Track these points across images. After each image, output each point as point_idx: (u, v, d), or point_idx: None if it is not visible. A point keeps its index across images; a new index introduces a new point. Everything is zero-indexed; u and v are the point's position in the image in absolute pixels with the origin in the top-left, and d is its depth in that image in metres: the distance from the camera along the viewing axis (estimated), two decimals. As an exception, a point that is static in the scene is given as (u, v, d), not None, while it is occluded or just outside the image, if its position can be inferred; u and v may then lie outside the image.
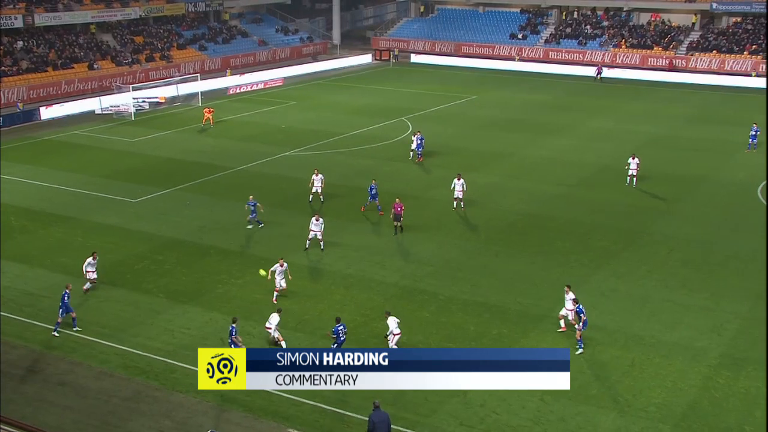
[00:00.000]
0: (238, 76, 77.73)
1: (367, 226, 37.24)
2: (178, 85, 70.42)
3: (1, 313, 28.37)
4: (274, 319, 25.97)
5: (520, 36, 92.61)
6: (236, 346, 24.15)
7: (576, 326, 26.06)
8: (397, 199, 36.70)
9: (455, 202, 39.45)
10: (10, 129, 57.84)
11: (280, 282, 29.42)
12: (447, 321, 28.07)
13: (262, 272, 29.38)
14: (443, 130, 56.93)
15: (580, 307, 25.98)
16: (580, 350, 26.02)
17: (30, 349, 25.99)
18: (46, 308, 28.70)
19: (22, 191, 42.58)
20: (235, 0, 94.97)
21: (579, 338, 26.12)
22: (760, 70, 76.37)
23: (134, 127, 58.50)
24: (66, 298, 26.87)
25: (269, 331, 25.96)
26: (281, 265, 29.43)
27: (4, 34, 71.24)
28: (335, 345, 24.52)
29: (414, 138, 48.85)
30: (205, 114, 58.47)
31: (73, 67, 70.90)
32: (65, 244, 35.05)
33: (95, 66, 72.27)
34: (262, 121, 60.61)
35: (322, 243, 33.99)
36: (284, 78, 79.84)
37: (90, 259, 30.16)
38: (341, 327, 24.77)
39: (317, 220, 33.94)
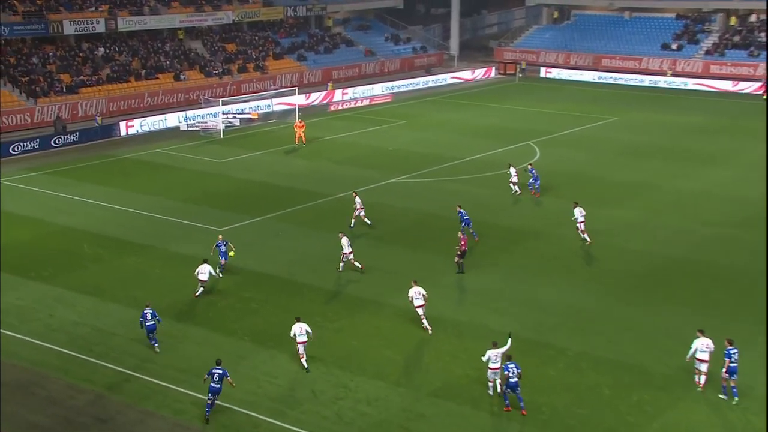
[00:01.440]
0: (341, 90, 79.16)
1: (484, 265, 37.02)
2: (273, 99, 72.27)
3: (48, 346, 29.53)
4: (302, 328, 27.86)
5: (674, 46, 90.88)
6: (214, 392, 24.98)
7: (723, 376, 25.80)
8: (460, 233, 36.77)
9: (584, 234, 39.26)
10: (87, 145, 60.57)
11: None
12: (577, 382, 27.48)
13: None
14: (576, 156, 56.28)
15: (730, 350, 25.66)
16: (736, 398, 25.79)
17: (98, 394, 26.82)
18: (117, 347, 29.64)
19: (97, 215, 44.35)
20: (340, 4, 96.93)
21: (732, 386, 25.90)
22: None
23: (222, 146, 60.23)
24: (148, 317, 29.28)
25: (301, 345, 27.71)
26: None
27: (84, 39, 74.91)
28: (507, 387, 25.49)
29: (510, 171, 47.78)
30: (297, 130, 59.71)
31: (157, 78, 73.81)
32: (142, 275, 36.21)
33: (182, 76, 75.00)
34: (366, 143, 61.36)
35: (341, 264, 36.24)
36: (393, 93, 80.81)
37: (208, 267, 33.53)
38: (512, 365, 25.32)
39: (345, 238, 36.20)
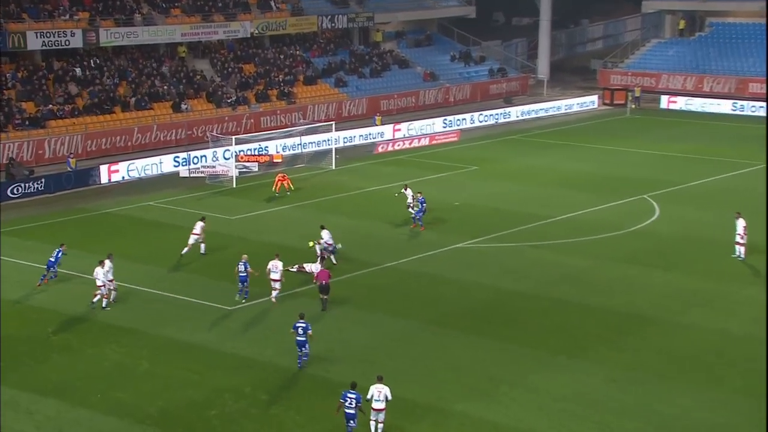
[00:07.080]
0: (392, 125, 79.52)
1: (581, 362, 36.53)
2: (303, 137, 72.73)
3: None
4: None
5: None
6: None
7: None
8: (319, 264, 43.91)
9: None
10: (57, 196, 61.25)
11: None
12: None
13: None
14: (710, 216, 55.64)
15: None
16: None
17: None
18: (90, 467, 29.64)
19: (67, 290, 44.60)
20: (392, 12, 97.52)
21: None
22: None
23: (235, 198, 60.76)
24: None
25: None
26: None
27: (55, 57, 76.00)
28: None
29: (407, 193, 54.91)
30: (278, 181, 60.99)
31: (151, 108, 74.85)
32: (123, 371, 36.16)
33: (183, 106, 75.95)
34: (425, 195, 61.34)
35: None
36: (461, 130, 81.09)
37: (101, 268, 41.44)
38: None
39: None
